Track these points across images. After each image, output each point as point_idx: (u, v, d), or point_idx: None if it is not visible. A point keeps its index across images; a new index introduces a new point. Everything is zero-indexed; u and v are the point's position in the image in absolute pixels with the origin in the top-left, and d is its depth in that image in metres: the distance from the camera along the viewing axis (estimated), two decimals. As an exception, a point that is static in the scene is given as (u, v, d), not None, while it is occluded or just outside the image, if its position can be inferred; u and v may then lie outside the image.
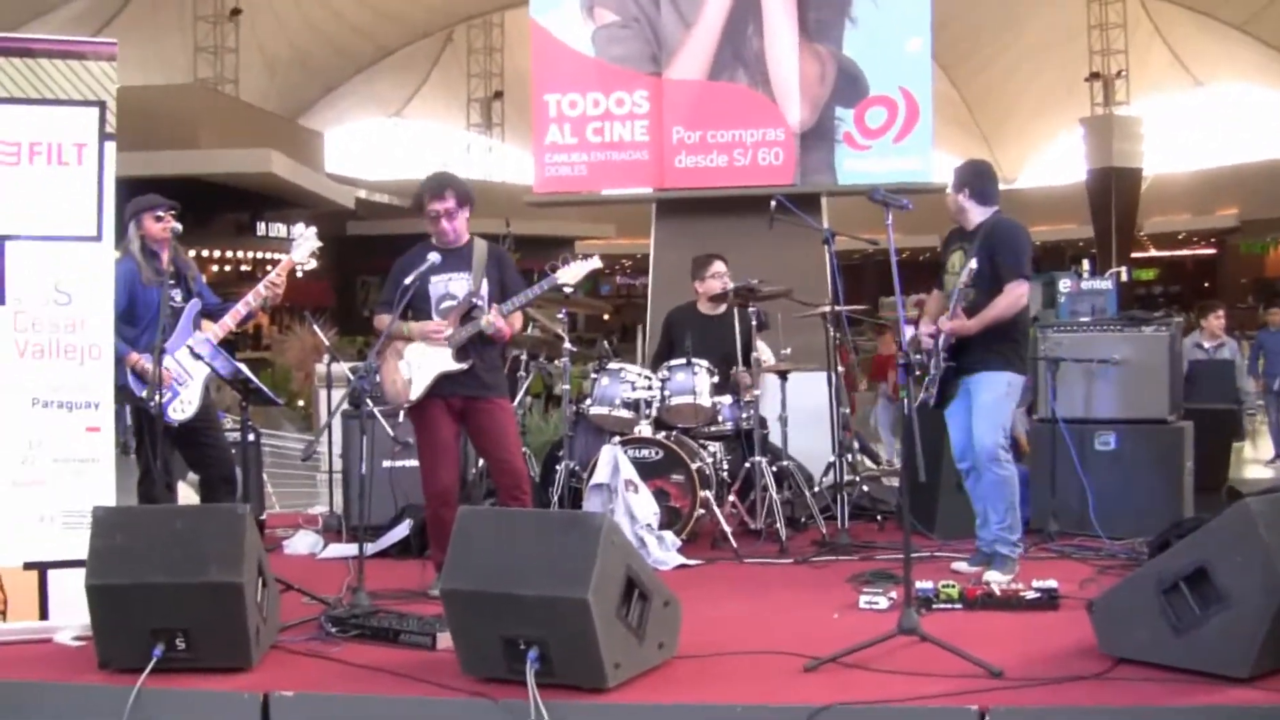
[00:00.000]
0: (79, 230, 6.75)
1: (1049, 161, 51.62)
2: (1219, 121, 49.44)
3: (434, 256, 7.46)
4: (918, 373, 7.77)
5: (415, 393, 7.57)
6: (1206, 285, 50.32)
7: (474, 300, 7.62)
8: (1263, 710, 4.96)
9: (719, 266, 9.93)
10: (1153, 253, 50.41)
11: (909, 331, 7.93)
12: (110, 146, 6.81)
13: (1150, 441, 9.11)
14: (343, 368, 10.64)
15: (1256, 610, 5.11)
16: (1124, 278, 27.52)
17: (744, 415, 9.44)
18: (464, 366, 7.56)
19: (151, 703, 5.47)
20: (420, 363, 7.58)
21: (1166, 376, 9.21)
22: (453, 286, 7.66)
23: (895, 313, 7.04)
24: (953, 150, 36.04)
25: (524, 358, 10.62)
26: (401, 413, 7.80)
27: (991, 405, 7.62)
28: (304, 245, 8.16)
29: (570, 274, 7.91)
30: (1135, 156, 42.52)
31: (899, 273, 6.57)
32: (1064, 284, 13.21)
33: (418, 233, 7.88)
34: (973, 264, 7.39)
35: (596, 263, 8.19)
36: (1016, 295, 7.63)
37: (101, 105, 6.81)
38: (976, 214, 7.81)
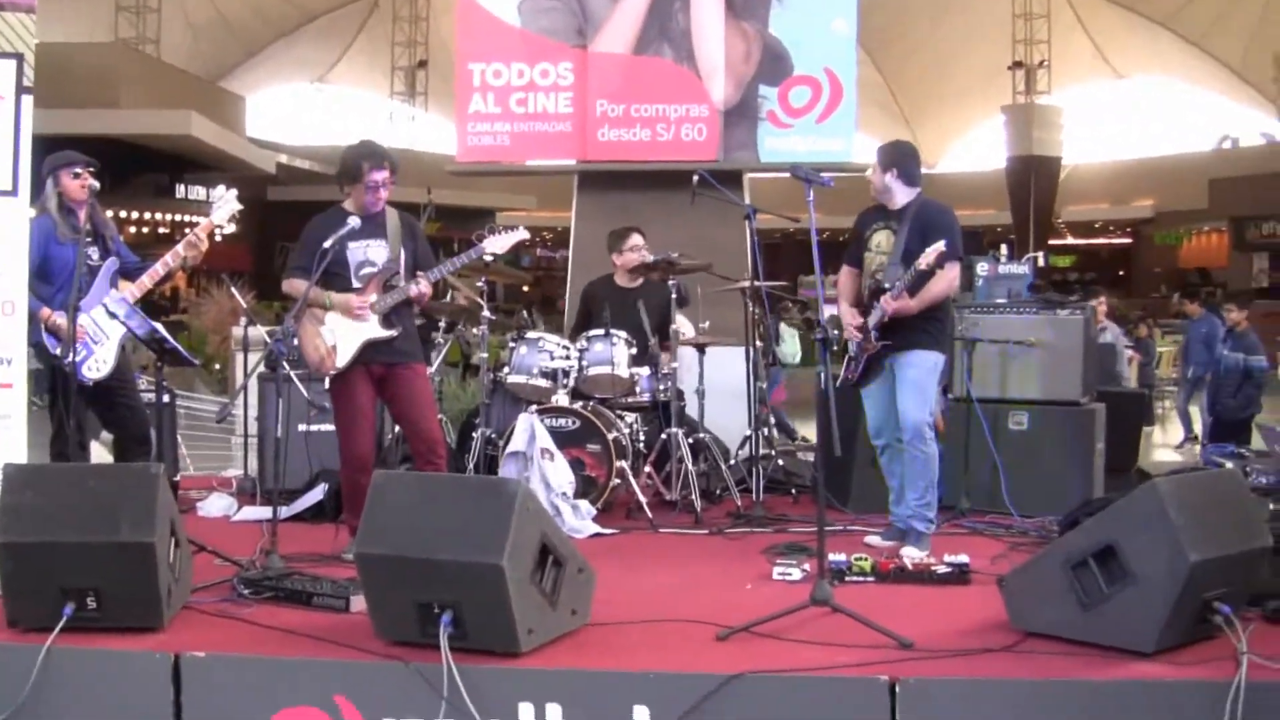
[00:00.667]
0: (-6, 184, 6.67)
1: (969, 147, 51.98)
2: (1138, 114, 49.97)
3: (354, 220, 7.41)
4: (834, 349, 7.83)
5: (341, 360, 7.53)
6: (1121, 274, 50.89)
7: (393, 268, 7.60)
8: (1166, 684, 5.04)
9: (636, 239, 9.94)
10: (1070, 240, 50.91)
11: (828, 310, 7.98)
12: (27, 100, 6.74)
13: (1063, 422, 9.23)
14: (260, 331, 10.58)
15: (1162, 587, 5.20)
16: (1041, 263, 27.70)
17: (661, 387, 9.46)
18: (393, 334, 7.54)
19: (61, 662, 5.43)
20: (344, 330, 7.54)
21: (1080, 359, 9.32)
22: (371, 253, 7.63)
23: (813, 291, 7.07)
24: (875, 133, 36.14)
25: (441, 324, 10.59)
26: (326, 380, 7.74)
27: (919, 383, 7.69)
28: (224, 208, 8.10)
29: (497, 244, 7.93)
30: (1055, 145, 42.93)
31: (819, 251, 6.61)
32: (982, 267, 13.26)
33: (339, 199, 7.83)
34: (942, 245, 7.38)
35: (523, 234, 8.19)
36: (952, 277, 7.70)
37: (19, 58, 6.75)
38: (901, 195, 7.85)
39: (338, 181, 7.71)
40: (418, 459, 7.73)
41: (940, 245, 7.37)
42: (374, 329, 7.53)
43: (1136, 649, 5.26)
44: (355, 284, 7.59)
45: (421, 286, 7.56)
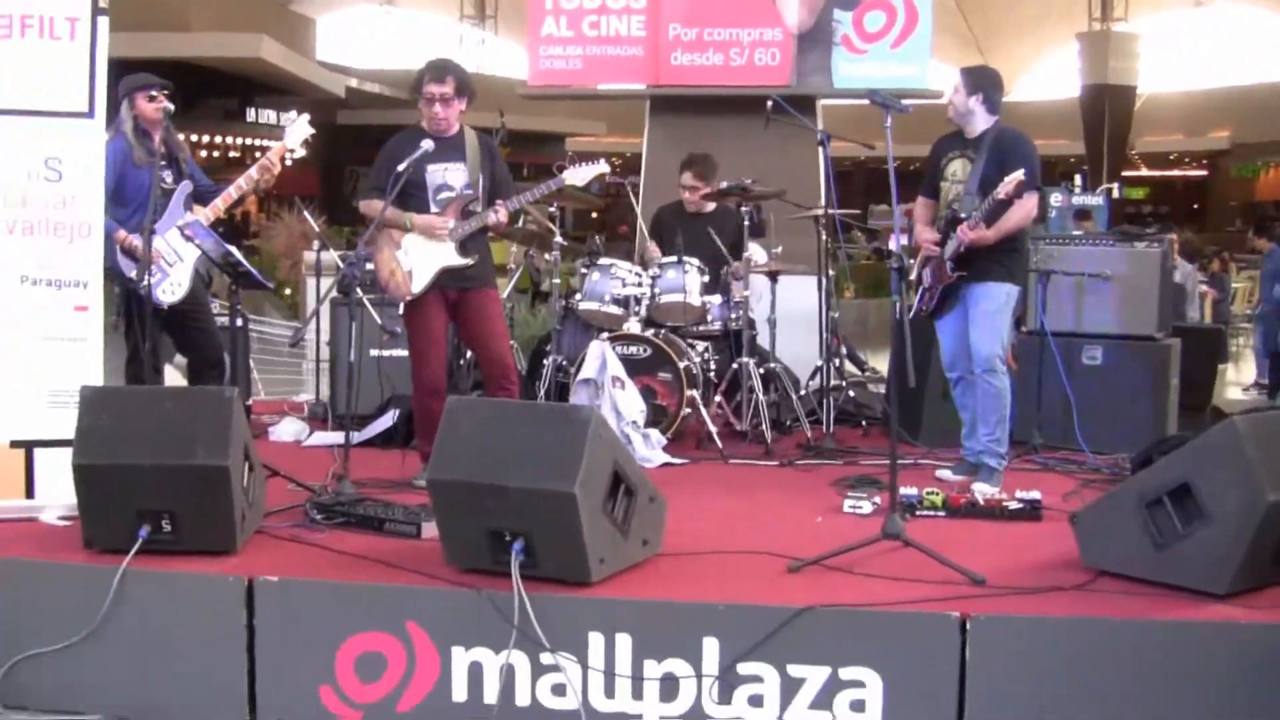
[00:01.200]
0: (70, 106, 6.66)
1: (1043, 75, 51.31)
2: (1216, 42, 49.13)
3: (427, 144, 7.38)
4: (910, 279, 7.77)
5: (418, 286, 7.53)
6: (1196, 207, 50.33)
7: (471, 194, 7.58)
8: (1240, 627, 4.98)
9: (686, 178, 9.87)
10: (1144, 172, 50.29)
11: (903, 239, 7.90)
12: (103, 22, 6.71)
13: (1138, 358, 9.12)
14: (331, 256, 10.61)
15: (1237, 528, 5.13)
16: (1115, 194, 27.43)
17: (733, 316, 9.42)
18: (470, 262, 7.53)
19: (136, 584, 5.49)
20: (420, 255, 7.53)
21: (1156, 294, 9.21)
22: (449, 177, 7.61)
23: (885, 220, 7.01)
24: (947, 59, 35.78)
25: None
26: (400, 304, 7.74)
27: (992, 315, 7.60)
28: (297, 132, 8.13)
29: (578, 176, 7.91)
30: (1130, 74, 42.26)
31: (896, 180, 6.53)
32: (1055, 198, 13.11)
33: (408, 124, 7.80)
34: (1021, 174, 7.27)
35: (604, 166, 8.13)
36: (1030, 207, 7.59)
37: (95, -22, 6.71)
38: (983, 121, 7.73)
39: (407, 102, 7.68)
40: (489, 384, 7.74)
41: (1019, 174, 7.26)
42: (450, 255, 7.52)
43: (1210, 590, 5.20)
44: (434, 208, 7.58)
45: (500, 215, 7.54)
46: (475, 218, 7.52)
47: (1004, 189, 7.26)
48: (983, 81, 7.77)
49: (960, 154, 7.81)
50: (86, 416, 5.81)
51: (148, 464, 5.66)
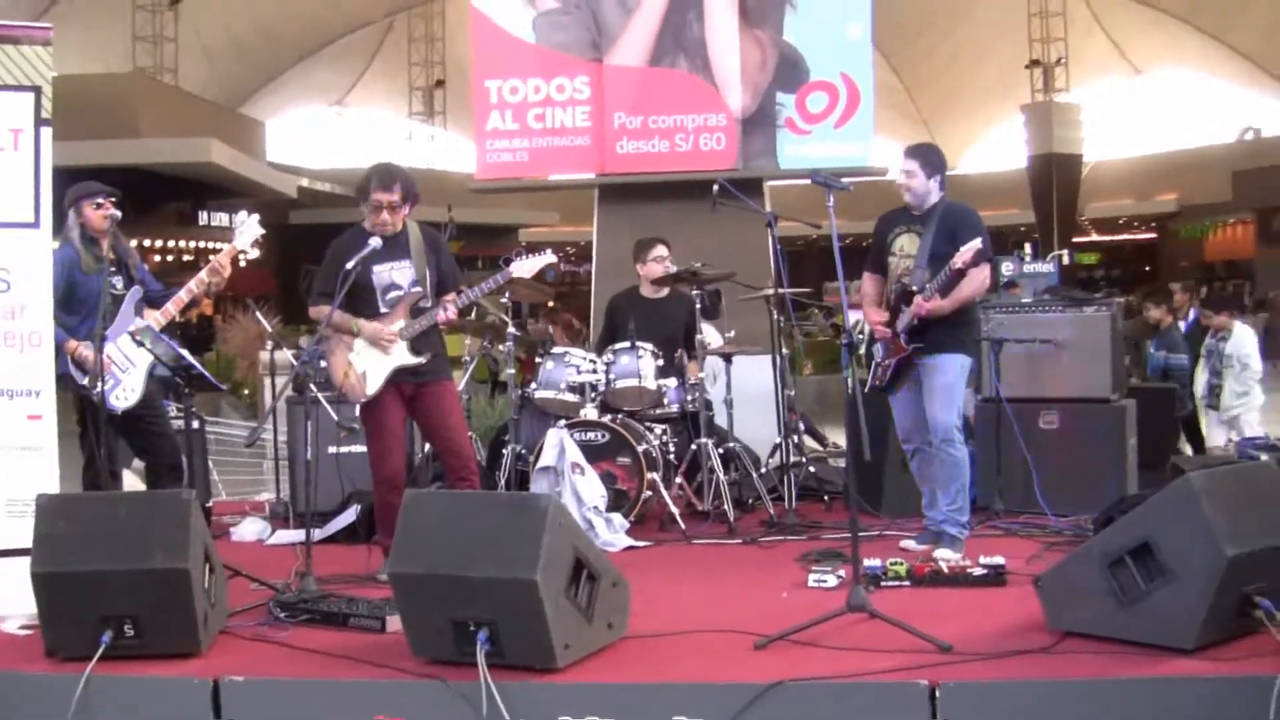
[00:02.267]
0: (16, 217, 6.70)
1: (990, 147, 51.84)
2: (1158, 109, 49.75)
3: (375, 241, 7.40)
4: (860, 353, 7.82)
5: (372, 388, 7.54)
6: (1148, 269, 50.68)
7: (420, 292, 7.60)
8: (1208, 681, 5.01)
9: (661, 250, 9.93)
10: (1094, 237, 50.68)
11: (853, 315, 7.95)
12: (46, 132, 6.74)
13: (1094, 420, 9.19)
14: (286, 355, 10.60)
15: (1200, 583, 5.17)
16: (1066, 260, 27.67)
17: (689, 398, 9.45)
18: (423, 360, 7.54)
19: (100, 690, 5.45)
20: (373, 356, 7.54)
21: (1108, 355, 9.27)
22: (396, 275, 7.62)
23: (838, 298, 7.06)
24: (893, 135, 36.10)
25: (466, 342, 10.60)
26: (357, 406, 7.73)
27: (949, 386, 7.66)
28: (247, 233, 8.12)
29: (524, 268, 7.97)
30: (1075, 143, 42.71)
31: (841, 257, 6.59)
32: (1006, 267, 13.24)
33: (361, 220, 7.83)
34: (978, 243, 7.35)
35: (550, 257, 8.18)
36: (983, 277, 7.68)
37: (37, 90, 6.75)
38: (934, 197, 7.81)
39: (356, 201, 7.71)
40: (450, 475, 7.73)
41: (976, 242, 7.34)
42: (403, 356, 7.53)
43: (1177, 646, 5.23)
44: (383, 308, 7.59)
45: (450, 312, 7.56)
46: (424, 316, 7.53)
47: (961, 258, 7.34)
48: (937, 161, 7.86)
49: (908, 229, 7.87)
50: (44, 524, 5.79)
51: (108, 569, 5.64)
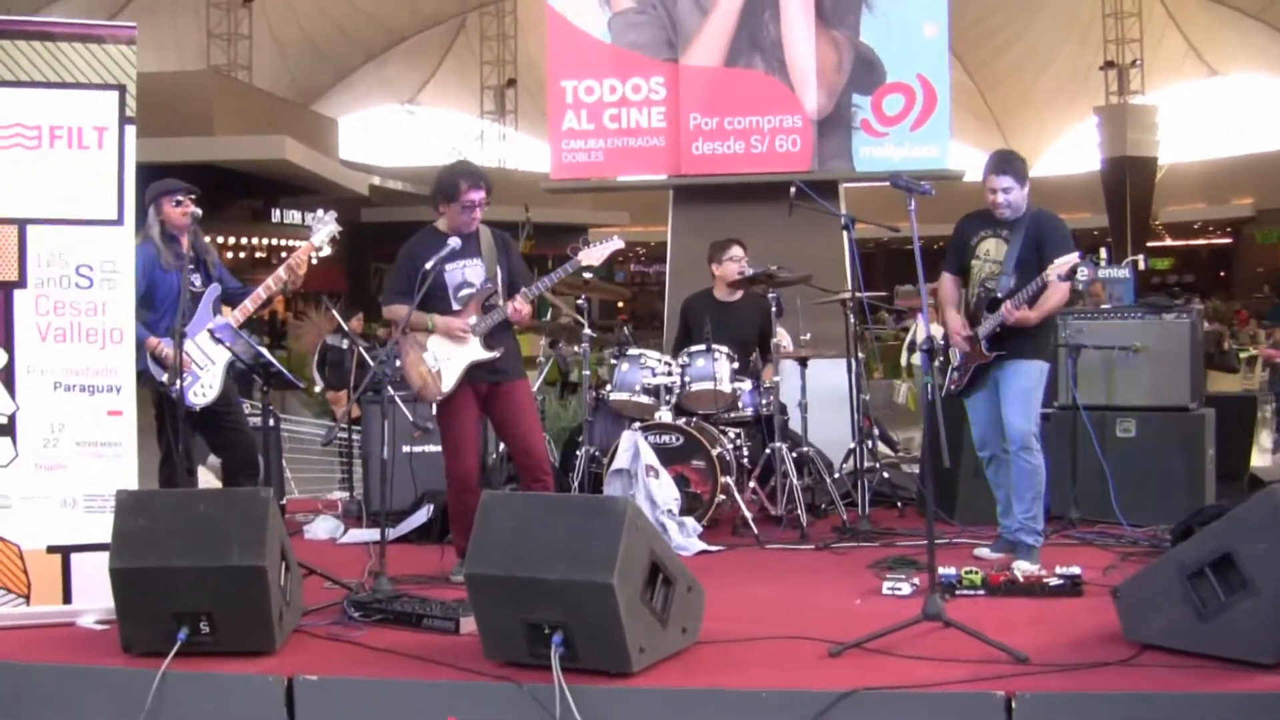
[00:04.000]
0: (100, 214, 6.74)
1: (1063, 150, 51.47)
2: (1234, 111, 49.25)
3: (454, 242, 7.41)
4: (940, 360, 7.76)
5: (447, 385, 7.54)
6: (1222, 275, 50.23)
7: (490, 288, 7.62)
8: (1290, 696, 4.95)
9: (737, 251, 9.89)
10: (1168, 242, 50.26)
11: (932, 319, 7.90)
12: (130, 130, 6.80)
13: (1171, 429, 9.08)
14: (338, 343, 10.64)
15: (1283, 596, 5.11)
16: (1141, 266, 27.46)
17: (764, 401, 9.42)
18: (497, 355, 7.55)
19: (175, 686, 5.48)
20: (446, 354, 7.56)
21: (1187, 363, 9.17)
22: (468, 274, 7.64)
23: (910, 300, 7.01)
24: (966, 138, 36.01)
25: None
26: (433, 405, 7.74)
27: (1026, 392, 7.60)
28: (324, 230, 8.15)
29: (592, 255, 7.94)
30: (1150, 146, 42.37)
31: (922, 260, 6.56)
32: (1081, 272, 13.10)
33: (431, 219, 7.85)
34: (1075, 258, 7.32)
35: (618, 243, 8.18)
36: (1067, 287, 7.63)
37: (121, 89, 6.79)
38: (1024, 206, 7.75)
39: (432, 201, 7.71)
40: (524, 475, 7.74)
41: (1074, 258, 7.31)
42: (476, 351, 7.55)
43: (1257, 660, 5.16)
44: (455, 306, 7.61)
45: (520, 305, 7.56)
46: (496, 311, 7.55)
47: (1057, 269, 7.29)
48: (1025, 170, 7.76)
49: (993, 234, 7.80)
50: (123, 520, 5.84)
51: (184, 566, 5.68)
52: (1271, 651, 5.14)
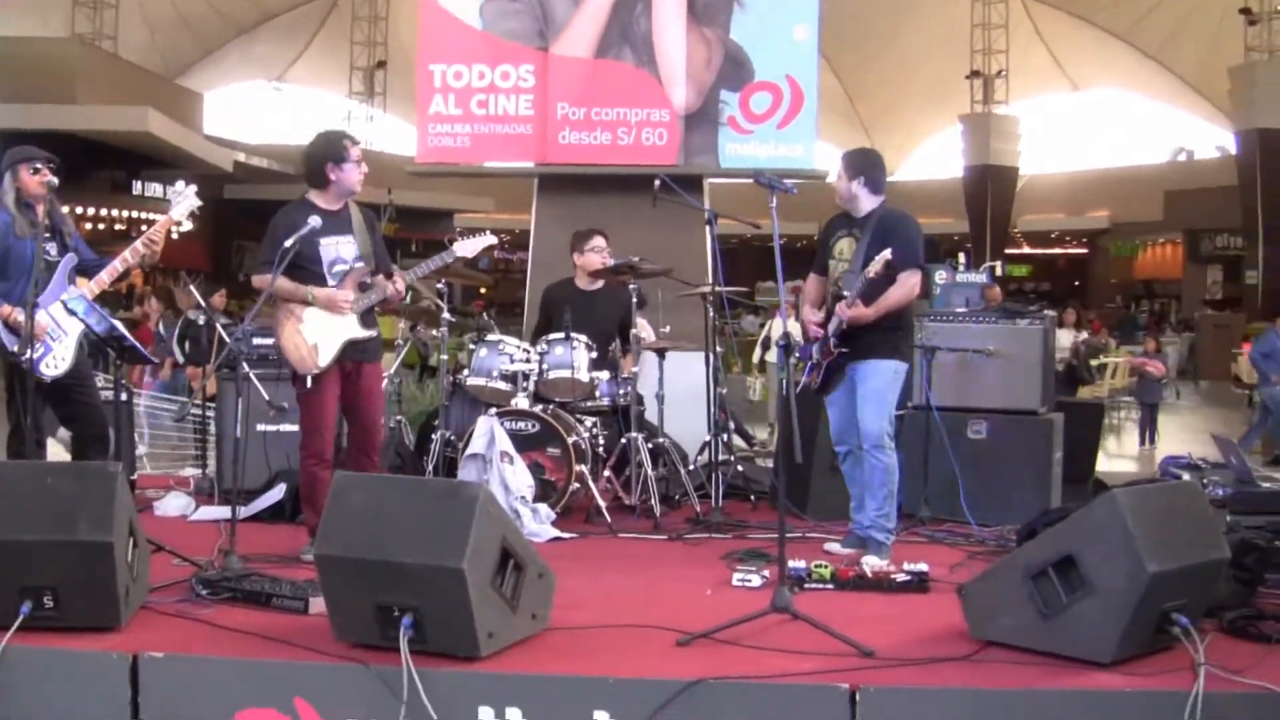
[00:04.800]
0: (-47, 179, 6.62)
1: (927, 156, 52.20)
2: (1094, 126, 50.25)
3: (315, 220, 7.38)
4: (796, 356, 7.83)
5: (324, 359, 7.51)
6: (1077, 284, 51.17)
7: (367, 267, 7.60)
8: (1124, 694, 5.06)
9: (599, 241, 9.93)
10: (1026, 250, 51.18)
11: (790, 316, 7.98)
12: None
13: (1021, 432, 9.24)
14: (193, 318, 10.54)
15: (1120, 598, 5.22)
16: (999, 272, 27.89)
17: (621, 391, 9.46)
18: (373, 334, 7.57)
19: (18, 661, 5.39)
20: (324, 328, 7.52)
21: (1039, 369, 9.34)
22: (342, 250, 7.62)
23: (772, 297, 7.09)
24: (834, 140, 36.24)
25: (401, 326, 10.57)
26: (309, 378, 7.65)
27: (879, 392, 7.70)
28: (183, 204, 8.06)
29: (467, 248, 8.07)
30: (1012, 155, 43.16)
31: (781, 258, 6.61)
32: (940, 275, 13.32)
33: (293, 199, 7.80)
34: (888, 254, 7.40)
35: (492, 239, 8.29)
36: (911, 284, 7.71)
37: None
38: (867, 202, 7.86)
39: (313, 171, 7.63)
40: (357, 449, 7.75)
41: (886, 253, 7.40)
42: (354, 329, 7.55)
43: (1095, 659, 5.28)
44: (330, 281, 7.58)
45: (399, 286, 7.60)
46: (375, 289, 7.55)
47: (873, 268, 7.41)
48: (863, 165, 7.91)
49: (848, 233, 7.92)
50: (-33, 492, 5.73)
51: (30, 539, 5.57)
52: (1108, 651, 5.25)
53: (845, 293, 7.64)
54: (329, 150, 7.63)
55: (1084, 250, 51.78)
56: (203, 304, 11.89)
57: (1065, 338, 16.05)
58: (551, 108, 12.49)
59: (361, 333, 7.56)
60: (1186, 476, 8.98)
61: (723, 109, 12.47)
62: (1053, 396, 9.67)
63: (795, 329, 8.87)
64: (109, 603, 5.66)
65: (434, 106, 12.61)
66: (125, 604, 5.74)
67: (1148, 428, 19.08)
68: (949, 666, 5.39)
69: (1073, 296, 41.94)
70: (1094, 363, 19.35)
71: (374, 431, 7.79)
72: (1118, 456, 18.02)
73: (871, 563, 7.35)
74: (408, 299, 9.81)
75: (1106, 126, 50.03)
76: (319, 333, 7.52)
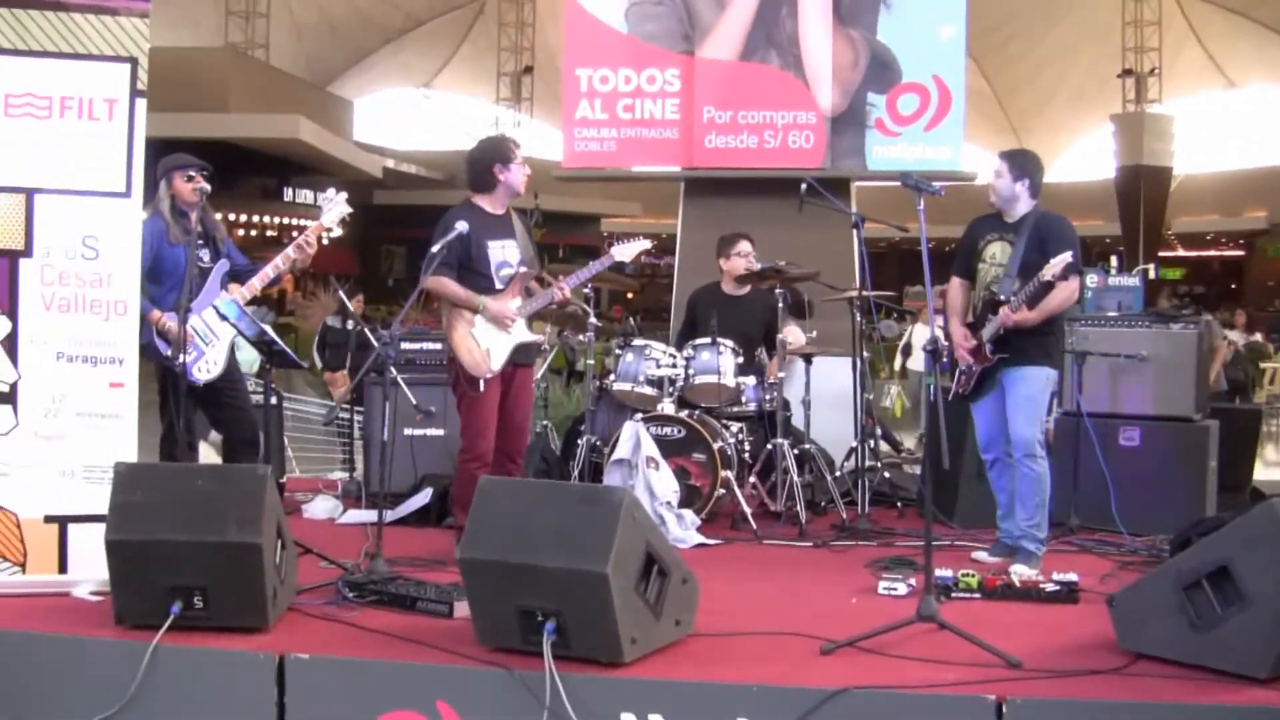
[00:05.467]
0: (108, 186, 6.74)
1: (1078, 157, 51.44)
2: (1250, 123, 49.20)
3: (461, 226, 7.44)
4: (944, 360, 7.74)
5: (496, 364, 7.64)
6: (1233, 286, 50.17)
7: (533, 272, 7.72)
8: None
9: (745, 246, 9.90)
10: (1180, 252, 50.26)
11: (938, 320, 7.88)
12: (141, 103, 6.80)
13: (1175, 439, 9.05)
14: (365, 333, 10.65)
15: (1277, 610, 5.08)
16: (1151, 275, 27.43)
17: (767, 397, 9.41)
18: (539, 339, 7.72)
19: (167, 660, 5.49)
20: (494, 332, 7.65)
21: (1193, 374, 9.14)
22: (507, 254, 7.77)
23: (919, 302, 7.01)
24: (981, 141, 35.97)
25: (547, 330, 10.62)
26: (481, 381, 7.72)
27: (1031, 399, 7.58)
28: (334, 210, 8.14)
29: (625, 252, 8.19)
30: (1165, 155, 42.36)
31: (929, 261, 6.53)
32: (1091, 279, 13.07)
33: (443, 204, 7.90)
34: (1068, 256, 7.29)
35: (646, 243, 8.29)
36: (1071, 289, 7.58)
37: (133, 61, 6.80)
38: (1025, 205, 7.72)
39: (477, 176, 7.75)
40: (502, 456, 7.78)
41: (1067, 256, 7.27)
42: (523, 333, 7.73)
43: (1250, 674, 5.14)
44: (497, 284, 7.71)
45: (565, 291, 7.72)
46: (542, 295, 7.69)
47: (1050, 271, 7.26)
48: (1027, 165, 7.78)
49: (999, 237, 7.79)
50: (120, 492, 5.84)
51: (180, 540, 5.68)
52: (1265, 666, 5.11)
53: (1001, 297, 7.54)
54: (495, 152, 7.78)
55: (1240, 252, 50.78)
56: (348, 306, 12.02)
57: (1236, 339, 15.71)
58: (697, 111, 12.48)
59: (530, 337, 7.73)
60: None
61: (870, 111, 12.39)
62: (1207, 403, 9.47)
63: (941, 336, 8.77)
64: (257, 604, 5.74)
65: (580, 111, 12.67)
66: (273, 605, 5.82)
67: None
68: (1098, 679, 5.28)
69: (1229, 299, 41.18)
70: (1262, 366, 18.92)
71: (521, 436, 7.87)
72: (1277, 465, 17.62)
73: (1021, 571, 7.23)
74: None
75: (1263, 124, 48.95)
76: (491, 337, 7.63)
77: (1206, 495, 8.94)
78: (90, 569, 6.29)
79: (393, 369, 7.54)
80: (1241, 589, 5.20)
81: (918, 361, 15.67)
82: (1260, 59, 45.17)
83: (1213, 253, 51.70)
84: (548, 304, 7.73)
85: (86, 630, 5.82)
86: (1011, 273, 7.55)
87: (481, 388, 7.62)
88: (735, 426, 9.49)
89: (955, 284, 8.08)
